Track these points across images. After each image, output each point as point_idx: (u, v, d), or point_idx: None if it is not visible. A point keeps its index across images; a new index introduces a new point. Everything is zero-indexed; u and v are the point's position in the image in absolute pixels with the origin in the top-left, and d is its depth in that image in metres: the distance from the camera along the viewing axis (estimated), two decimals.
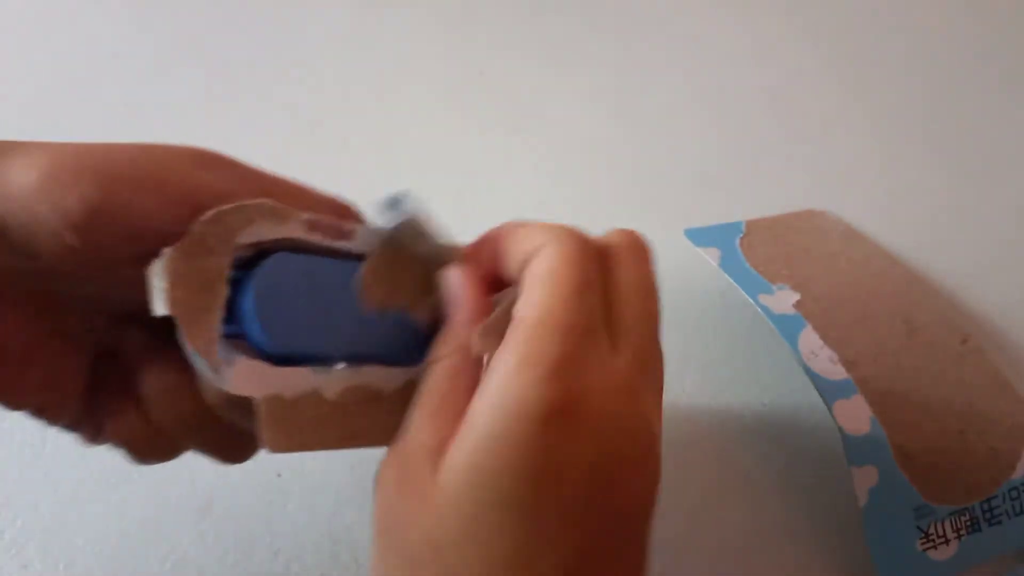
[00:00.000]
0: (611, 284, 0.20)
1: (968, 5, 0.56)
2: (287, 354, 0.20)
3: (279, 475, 0.32)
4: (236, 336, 0.20)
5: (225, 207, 0.19)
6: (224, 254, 0.19)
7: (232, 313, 0.20)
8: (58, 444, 0.32)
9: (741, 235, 0.36)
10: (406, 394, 0.21)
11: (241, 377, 0.19)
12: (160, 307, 0.19)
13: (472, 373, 0.20)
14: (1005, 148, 0.48)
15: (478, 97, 0.47)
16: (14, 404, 0.20)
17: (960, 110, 0.50)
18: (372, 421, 0.21)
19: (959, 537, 0.30)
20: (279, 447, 0.20)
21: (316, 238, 0.21)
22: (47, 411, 0.20)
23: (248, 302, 0.20)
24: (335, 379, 0.21)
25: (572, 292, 0.18)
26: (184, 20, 0.48)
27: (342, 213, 0.22)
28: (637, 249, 0.21)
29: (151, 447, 0.22)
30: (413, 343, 0.22)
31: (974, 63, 0.53)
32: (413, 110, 0.45)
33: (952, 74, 0.52)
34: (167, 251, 0.19)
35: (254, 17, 0.49)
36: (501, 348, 0.18)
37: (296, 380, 0.20)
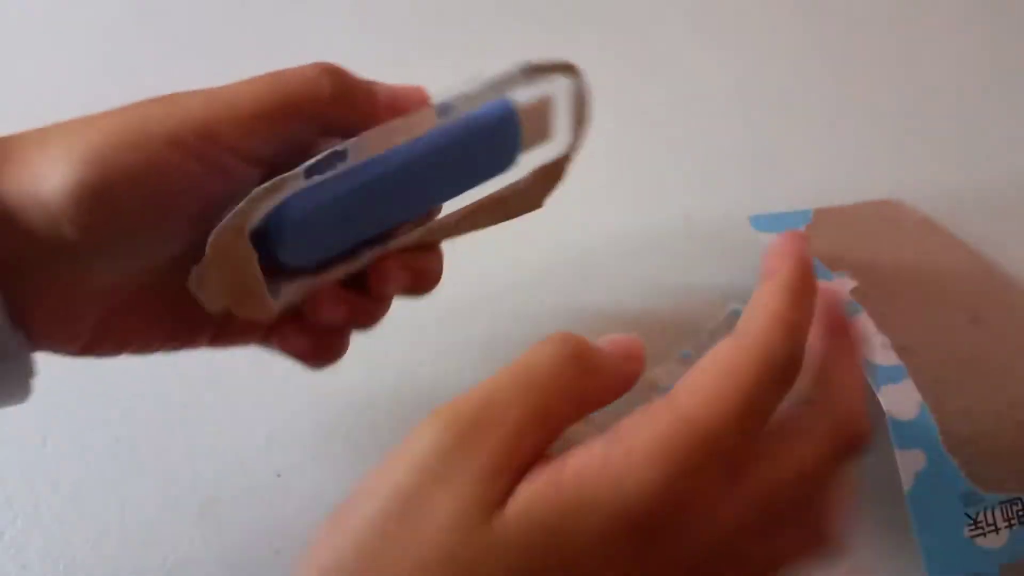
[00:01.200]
0: None
1: None
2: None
3: (279, 475, 0.31)
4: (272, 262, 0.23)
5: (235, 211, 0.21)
6: (243, 243, 0.22)
7: (264, 251, 0.23)
8: (58, 444, 0.32)
9: (808, 223, 0.36)
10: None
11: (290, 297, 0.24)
12: (213, 309, 0.23)
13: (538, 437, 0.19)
14: None
15: None
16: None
17: None
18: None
19: (1010, 526, 0.29)
20: None
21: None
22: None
23: (273, 246, 0.23)
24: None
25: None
26: (183, 19, 0.48)
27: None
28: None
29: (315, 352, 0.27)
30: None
31: None
32: None
33: None
34: (195, 269, 0.22)
35: (254, 16, 0.49)
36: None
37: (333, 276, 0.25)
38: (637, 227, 0.40)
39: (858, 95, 0.48)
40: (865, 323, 0.31)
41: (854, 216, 0.39)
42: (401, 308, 0.36)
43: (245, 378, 0.33)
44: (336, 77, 0.23)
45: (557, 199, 0.29)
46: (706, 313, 0.36)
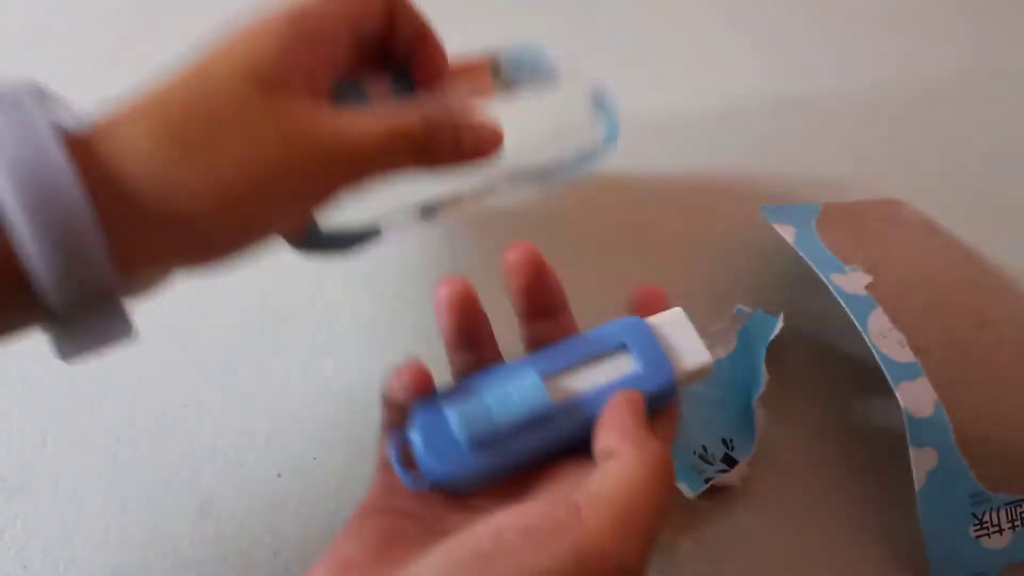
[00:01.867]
0: None
1: None
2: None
3: (279, 475, 0.31)
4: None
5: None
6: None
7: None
8: (59, 444, 0.31)
9: (817, 216, 0.36)
10: None
11: None
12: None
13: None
14: None
15: None
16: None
17: None
18: None
19: (1013, 528, 0.30)
20: None
21: None
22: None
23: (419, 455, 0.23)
24: None
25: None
26: (184, 17, 0.48)
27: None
28: None
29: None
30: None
31: None
32: None
33: None
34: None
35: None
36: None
37: None
38: (638, 225, 0.40)
39: (858, 93, 0.47)
40: (881, 319, 0.31)
41: (861, 212, 0.39)
42: (403, 308, 0.36)
43: (245, 378, 0.33)
44: (432, 137, 0.24)
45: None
46: (712, 314, 0.36)
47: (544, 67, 0.32)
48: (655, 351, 0.24)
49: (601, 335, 0.24)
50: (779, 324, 0.32)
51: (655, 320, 0.25)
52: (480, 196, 0.30)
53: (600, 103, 0.35)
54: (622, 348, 0.24)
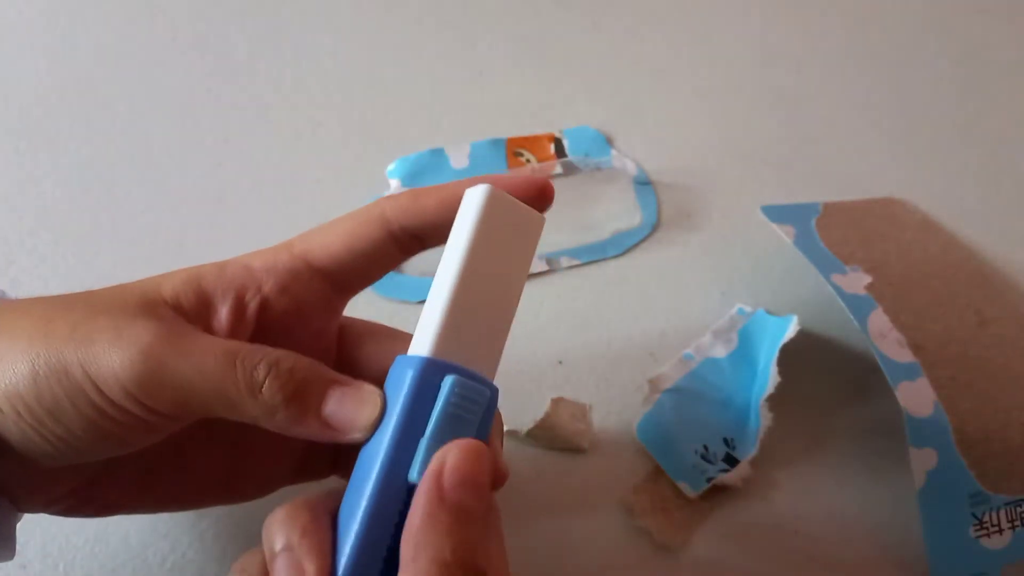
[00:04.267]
0: None
1: None
2: None
3: None
4: None
5: None
6: None
7: None
8: None
9: (817, 215, 0.37)
10: None
11: None
12: None
13: None
14: None
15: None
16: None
17: None
18: None
19: (1013, 528, 0.30)
20: None
21: None
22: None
23: None
24: None
25: None
26: (183, 18, 0.48)
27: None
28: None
29: None
30: None
31: None
32: (415, 108, 0.44)
33: None
34: None
35: (254, 15, 0.48)
36: None
37: None
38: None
39: (859, 93, 0.48)
40: (880, 319, 0.31)
41: (861, 212, 0.39)
42: (403, 310, 0.36)
43: None
44: (283, 382, 0.19)
45: None
46: (711, 313, 0.36)
47: (599, 149, 0.36)
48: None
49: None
50: (794, 325, 0.32)
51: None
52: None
53: (642, 187, 0.39)
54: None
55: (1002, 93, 0.48)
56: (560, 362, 0.34)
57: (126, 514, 0.24)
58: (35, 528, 0.29)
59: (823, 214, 0.37)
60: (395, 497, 0.18)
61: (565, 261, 0.37)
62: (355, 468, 0.19)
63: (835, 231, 0.36)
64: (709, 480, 0.30)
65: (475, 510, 0.17)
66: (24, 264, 0.35)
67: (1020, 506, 0.30)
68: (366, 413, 0.19)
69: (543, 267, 0.37)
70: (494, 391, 0.19)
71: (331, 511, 0.19)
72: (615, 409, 0.33)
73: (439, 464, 0.17)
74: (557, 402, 0.32)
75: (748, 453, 0.31)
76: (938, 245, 0.38)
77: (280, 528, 0.19)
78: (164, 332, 0.19)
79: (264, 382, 0.19)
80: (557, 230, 0.37)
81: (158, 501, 0.24)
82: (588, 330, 0.35)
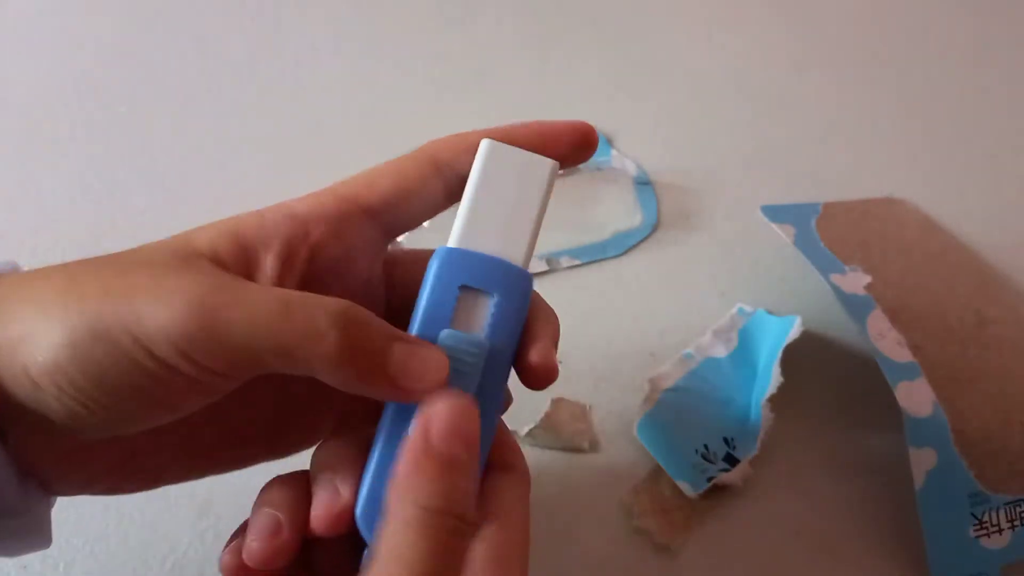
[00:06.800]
0: None
1: None
2: None
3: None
4: None
5: None
6: None
7: None
8: None
9: (817, 215, 0.37)
10: None
11: None
12: None
13: None
14: None
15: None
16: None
17: None
18: None
19: (1012, 528, 0.30)
20: None
21: None
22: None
23: None
24: None
25: None
26: (183, 18, 0.48)
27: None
28: None
29: None
30: None
31: None
32: (414, 109, 0.44)
33: None
34: None
35: (254, 16, 0.48)
36: None
37: None
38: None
39: (858, 93, 0.48)
40: (880, 319, 0.31)
41: (862, 211, 0.39)
42: None
43: None
44: (348, 333, 0.18)
45: None
46: (711, 313, 0.36)
47: (600, 149, 0.35)
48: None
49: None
50: (797, 326, 0.32)
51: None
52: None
53: (642, 187, 0.40)
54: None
55: (1002, 93, 0.48)
56: (560, 362, 0.34)
57: (168, 484, 0.22)
58: None
59: (823, 214, 0.37)
60: (402, 439, 0.19)
61: (565, 261, 0.37)
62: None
63: (834, 231, 0.36)
64: (710, 479, 0.30)
65: (461, 460, 0.17)
66: (24, 264, 0.35)
67: (1019, 506, 0.30)
68: (431, 375, 0.18)
69: (543, 267, 0.37)
70: (526, 277, 0.20)
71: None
72: (615, 409, 0.33)
73: (428, 415, 0.17)
74: (557, 402, 0.32)
75: (749, 453, 0.31)
76: (938, 245, 0.38)
77: (326, 458, 0.20)
78: (211, 283, 0.18)
79: (327, 332, 0.17)
80: (557, 230, 0.37)
81: (201, 465, 0.23)
82: (588, 330, 0.35)
